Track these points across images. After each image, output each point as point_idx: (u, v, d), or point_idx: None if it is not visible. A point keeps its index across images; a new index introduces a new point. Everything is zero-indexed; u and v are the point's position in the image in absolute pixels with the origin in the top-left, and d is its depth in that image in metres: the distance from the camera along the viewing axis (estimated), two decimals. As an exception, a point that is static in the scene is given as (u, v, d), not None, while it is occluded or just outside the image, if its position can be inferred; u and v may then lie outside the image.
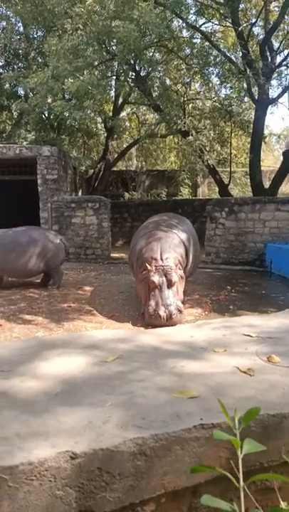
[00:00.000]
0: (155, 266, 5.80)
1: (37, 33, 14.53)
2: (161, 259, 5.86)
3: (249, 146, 13.56)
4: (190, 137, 11.86)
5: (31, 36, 14.51)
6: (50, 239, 7.92)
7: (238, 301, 7.19)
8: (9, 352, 1.31)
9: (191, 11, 12.17)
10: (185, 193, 18.77)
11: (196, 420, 0.94)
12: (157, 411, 0.98)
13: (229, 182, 14.35)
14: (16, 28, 14.28)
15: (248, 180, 14.14)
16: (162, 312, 5.58)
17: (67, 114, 11.76)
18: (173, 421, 0.94)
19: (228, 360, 1.28)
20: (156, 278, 5.71)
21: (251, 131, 12.93)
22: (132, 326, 5.88)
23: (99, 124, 17.05)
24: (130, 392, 1.05)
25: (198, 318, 6.30)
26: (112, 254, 11.38)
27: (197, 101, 15.25)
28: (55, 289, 7.90)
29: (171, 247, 6.13)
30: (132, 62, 11.71)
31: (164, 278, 5.74)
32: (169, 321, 5.56)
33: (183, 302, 6.15)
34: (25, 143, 12.05)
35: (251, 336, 1.56)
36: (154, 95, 12.88)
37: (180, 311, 5.67)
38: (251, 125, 13.21)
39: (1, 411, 0.98)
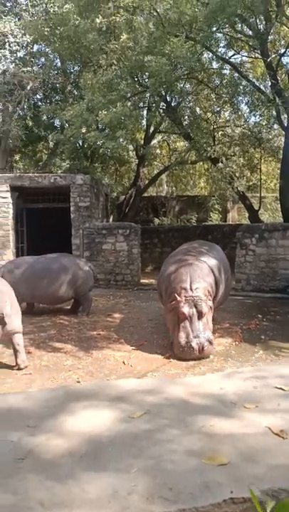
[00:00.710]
0: (185, 296, 5.72)
1: (73, 68, 15.23)
2: (191, 290, 5.78)
3: (279, 171, 13.45)
4: (220, 164, 11.92)
5: (68, 71, 15.22)
6: (80, 266, 8.04)
7: (270, 331, 6.99)
8: (36, 403, 1.31)
9: (221, 44, 12.46)
10: (215, 218, 18.71)
11: (226, 493, 0.91)
12: (185, 479, 0.95)
13: (259, 208, 14.22)
14: (54, 63, 15.02)
15: (279, 205, 13.96)
16: (194, 344, 5.50)
17: (100, 144, 12.12)
18: (202, 493, 0.91)
19: (260, 419, 1.23)
20: (186, 309, 5.63)
21: (281, 157, 12.87)
22: (161, 356, 5.81)
23: (130, 152, 17.43)
24: (158, 455, 1.02)
25: (229, 348, 6.15)
26: (142, 280, 11.39)
27: (227, 128, 15.37)
28: (85, 316, 7.95)
29: (200, 276, 6.06)
30: (163, 93, 12.02)
31: (194, 309, 5.65)
32: (201, 353, 5.52)
33: (213, 332, 6.03)
34: (59, 171, 12.48)
35: (284, 390, 1.50)
36: (184, 124, 13.10)
37: (211, 343, 5.59)
38: (281, 151, 13.16)
39: (26, 475, 0.98)
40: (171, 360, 5.63)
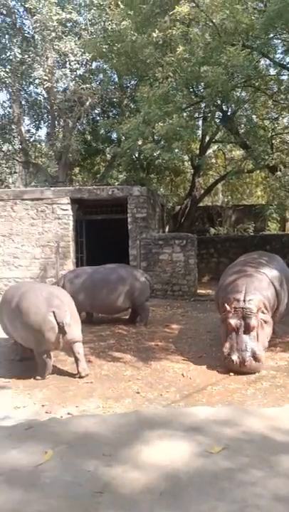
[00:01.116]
0: (235, 307, 5.65)
1: (130, 82, 15.60)
2: (244, 301, 5.67)
3: None
4: (278, 172, 11.53)
5: (125, 85, 15.61)
6: (137, 277, 8.14)
7: None
8: (109, 429, 1.32)
9: (279, 50, 12.15)
10: (273, 227, 18.14)
11: None
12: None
13: None
14: (112, 79, 15.47)
15: None
16: (235, 357, 5.44)
17: (156, 155, 12.24)
18: None
19: None
20: (233, 320, 5.57)
21: None
22: (221, 369, 5.70)
23: (186, 162, 17.43)
24: (242, 499, 0.99)
25: (292, 363, 5.88)
26: (199, 291, 11.29)
27: (285, 135, 14.88)
28: (143, 326, 8.01)
29: (257, 288, 5.92)
30: (220, 102, 11.92)
31: (243, 321, 5.54)
32: (243, 368, 5.42)
33: (274, 346, 5.81)
34: (116, 183, 12.78)
35: None
36: (240, 132, 12.87)
37: (257, 359, 5.41)
38: None
39: (106, 511, 0.98)
40: (232, 374, 5.51)
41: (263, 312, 5.76)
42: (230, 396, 4.92)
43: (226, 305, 5.74)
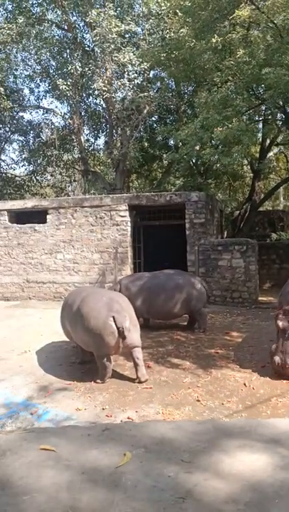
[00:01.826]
0: (285, 310, 5.57)
1: (187, 88, 15.61)
2: None
3: None
4: None
5: (182, 92, 15.64)
6: (193, 284, 8.05)
7: None
8: (185, 435, 1.30)
9: None
10: None
11: None
12: None
13: None
14: (169, 86, 15.58)
15: None
16: (277, 359, 5.43)
17: (214, 160, 12.11)
18: None
19: None
20: (281, 322, 5.54)
21: None
22: (286, 380, 5.46)
23: (245, 166, 17.06)
24: None
25: None
26: (260, 298, 10.93)
27: None
28: (202, 333, 7.89)
29: None
30: (282, 104, 11.55)
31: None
32: (285, 370, 5.39)
33: None
34: (173, 189, 12.78)
35: None
36: (304, 134, 12.39)
37: None
38: None
39: (191, 517, 0.95)
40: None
41: None
42: (297, 409, 4.68)
43: (279, 305, 5.78)
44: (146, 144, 16.88)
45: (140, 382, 5.54)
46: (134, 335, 5.56)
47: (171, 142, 15.74)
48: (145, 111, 14.27)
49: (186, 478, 1.14)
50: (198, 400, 5.02)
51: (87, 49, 15.62)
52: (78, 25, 16.02)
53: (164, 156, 15.13)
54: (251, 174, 16.60)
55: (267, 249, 14.25)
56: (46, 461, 1.59)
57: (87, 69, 14.24)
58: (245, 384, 5.45)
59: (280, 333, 5.61)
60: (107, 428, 1.48)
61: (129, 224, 11.64)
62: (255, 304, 10.43)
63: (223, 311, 9.88)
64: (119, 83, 13.94)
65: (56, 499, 1.25)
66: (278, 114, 12.14)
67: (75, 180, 20.50)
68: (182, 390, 5.31)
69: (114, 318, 5.37)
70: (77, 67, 14.25)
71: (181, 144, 13.10)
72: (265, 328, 8.28)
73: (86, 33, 16.00)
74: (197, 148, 11.95)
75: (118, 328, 5.34)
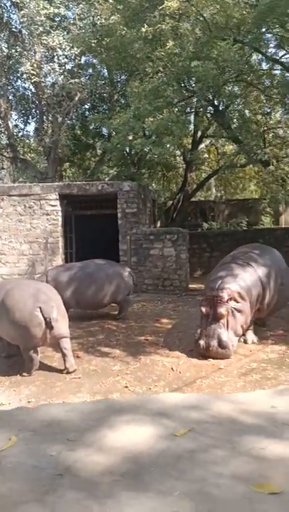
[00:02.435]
0: (206, 295, 5.90)
1: (120, 77, 15.50)
2: (217, 290, 5.86)
3: None
4: (271, 166, 11.54)
5: (115, 80, 15.50)
6: (121, 273, 8.10)
7: None
8: (78, 416, 1.29)
9: (271, 45, 12.12)
10: (267, 221, 18.16)
11: (278, 527, 0.82)
12: (231, 508, 0.87)
13: (314, 210, 13.62)
14: (101, 74, 15.36)
15: None
16: (202, 342, 5.73)
17: (147, 150, 12.19)
18: (249, 527, 0.83)
19: (316, 443, 1.12)
20: (204, 308, 5.83)
21: None
22: (211, 363, 5.69)
23: (178, 157, 17.38)
24: (202, 478, 0.96)
25: (283, 356, 5.92)
26: (190, 286, 11.25)
27: (278, 130, 14.89)
28: (133, 321, 7.98)
29: (234, 278, 6.04)
30: (211, 97, 11.88)
31: (213, 309, 5.74)
32: (209, 353, 5.71)
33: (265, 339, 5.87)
34: (107, 178, 12.69)
35: None
36: (233, 127, 12.84)
37: (222, 346, 5.64)
38: None
39: (64, 492, 0.95)
40: (222, 367, 5.52)
41: (236, 301, 5.86)
42: (220, 389, 4.90)
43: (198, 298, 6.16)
44: (78, 132, 16.55)
45: (68, 372, 5.48)
46: (61, 325, 5.49)
47: (104, 131, 15.58)
48: (77, 98, 13.96)
49: (67, 455, 1.14)
50: (127, 387, 5.08)
51: (15, 30, 14.88)
52: (5, 4, 15.20)
53: (97, 144, 14.95)
54: (184, 165, 16.94)
55: (198, 239, 14.71)
56: None
57: (14, 51, 13.58)
58: (172, 368, 5.60)
59: (203, 318, 5.87)
60: (-4, 415, 1.45)
61: (60, 213, 11.38)
62: (185, 291, 10.73)
63: (155, 299, 10.06)
64: (49, 67, 13.49)
65: None
66: (208, 107, 12.47)
67: (3, 168, 19.55)
68: (111, 377, 5.34)
69: (40, 309, 5.25)
70: (4, 48, 13.55)
71: (114, 133, 13.02)
72: (194, 314, 8.56)
73: (13, 14, 15.23)
74: (130, 137, 11.94)
75: (45, 319, 5.23)
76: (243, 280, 6.08)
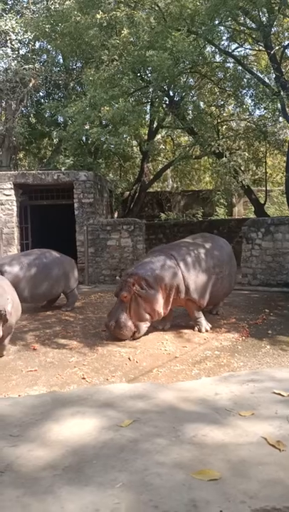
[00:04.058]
0: (116, 279, 6.62)
1: (76, 64, 15.13)
2: (127, 275, 6.31)
3: (285, 164, 13.31)
4: (224, 158, 11.76)
5: (70, 68, 15.12)
6: (64, 262, 8.01)
7: (277, 325, 6.95)
8: (21, 410, 1.28)
9: (224, 37, 12.30)
10: (221, 212, 18.57)
11: (215, 512, 0.85)
12: (172, 497, 0.90)
13: (265, 201, 14.10)
14: (56, 60, 14.92)
15: (285, 199, 13.83)
16: (106, 321, 6.34)
17: (103, 140, 12.03)
18: (189, 512, 0.85)
19: (255, 428, 1.17)
20: (115, 290, 6.43)
21: (287, 150, 12.72)
22: (167, 352, 5.80)
23: (134, 148, 17.31)
24: (144, 468, 0.98)
25: (236, 343, 6.15)
26: (147, 276, 11.33)
27: (231, 122, 15.20)
28: (69, 312, 7.95)
29: (148, 265, 6.27)
30: (166, 88, 11.90)
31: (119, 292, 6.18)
32: (110, 332, 6.23)
33: (219, 327, 6.05)
34: (63, 168, 12.38)
35: (282, 395, 1.44)
36: (188, 118, 12.96)
37: (118, 326, 6.07)
38: (287, 144, 13.00)
39: (3, 490, 0.94)
40: (178, 356, 5.64)
41: (142, 288, 6.06)
42: (176, 377, 5.02)
43: (117, 277, 6.73)
44: (33, 120, 16.05)
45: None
46: (14, 319, 5.40)
47: (60, 119, 15.20)
48: (31, 84, 13.52)
49: (9, 452, 1.12)
50: (84, 378, 5.08)
51: None
52: None
53: (53, 133, 14.55)
54: (140, 155, 16.91)
55: (155, 229, 14.84)
56: None
57: None
58: (129, 358, 5.66)
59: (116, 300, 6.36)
60: None
61: (15, 203, 11.07)
62: (143, 281, 10.81)
63: (112, 290, 10.03)
64: (1, 52, 12.93)
65: None
66: (164, 98, 12.48)
67: None
68: (68, 369, 5.32)
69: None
70: None
71: (70, 121, 12.73)
72: (151, 304, 8.66)
73: None
74: (86, 127, 11.74)
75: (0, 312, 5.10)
76: (154, 269, 6.23)
